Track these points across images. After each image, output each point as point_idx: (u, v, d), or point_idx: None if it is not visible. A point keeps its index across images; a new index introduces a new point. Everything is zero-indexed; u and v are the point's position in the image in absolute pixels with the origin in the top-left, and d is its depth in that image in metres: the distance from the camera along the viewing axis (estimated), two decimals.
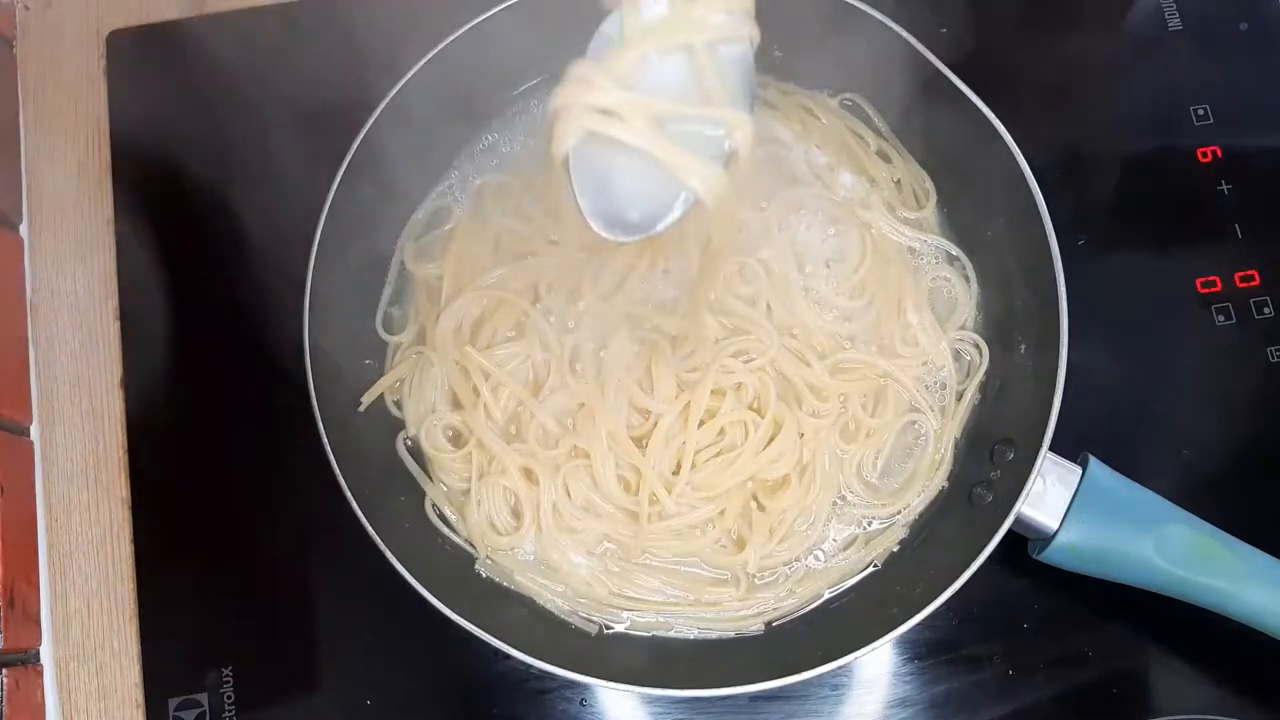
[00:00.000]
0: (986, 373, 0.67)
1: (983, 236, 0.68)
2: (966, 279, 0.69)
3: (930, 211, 0.70)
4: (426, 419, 0.67)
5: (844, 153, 0.71)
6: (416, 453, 0.67)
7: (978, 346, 0.68)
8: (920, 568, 0.63)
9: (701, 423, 0.64)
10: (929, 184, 0.71)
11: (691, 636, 0.64)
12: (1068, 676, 0.66)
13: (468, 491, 0.65)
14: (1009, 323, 0.67)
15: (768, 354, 0.65)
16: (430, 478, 0.67)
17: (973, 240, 0.69)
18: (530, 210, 0.70)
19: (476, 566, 0.65)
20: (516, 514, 0.65)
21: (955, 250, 0.70)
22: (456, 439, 0.67)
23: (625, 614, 0.65)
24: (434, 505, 0.66)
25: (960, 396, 0.67)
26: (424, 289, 0.70)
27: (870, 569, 0.65)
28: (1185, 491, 0.62)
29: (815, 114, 0.72)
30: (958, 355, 0.68)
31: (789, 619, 0.65)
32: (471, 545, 0.65)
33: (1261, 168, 0.75)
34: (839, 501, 0.66)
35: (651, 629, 0.64)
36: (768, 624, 0.64)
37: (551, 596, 0.64)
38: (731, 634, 0.64)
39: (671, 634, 0.64)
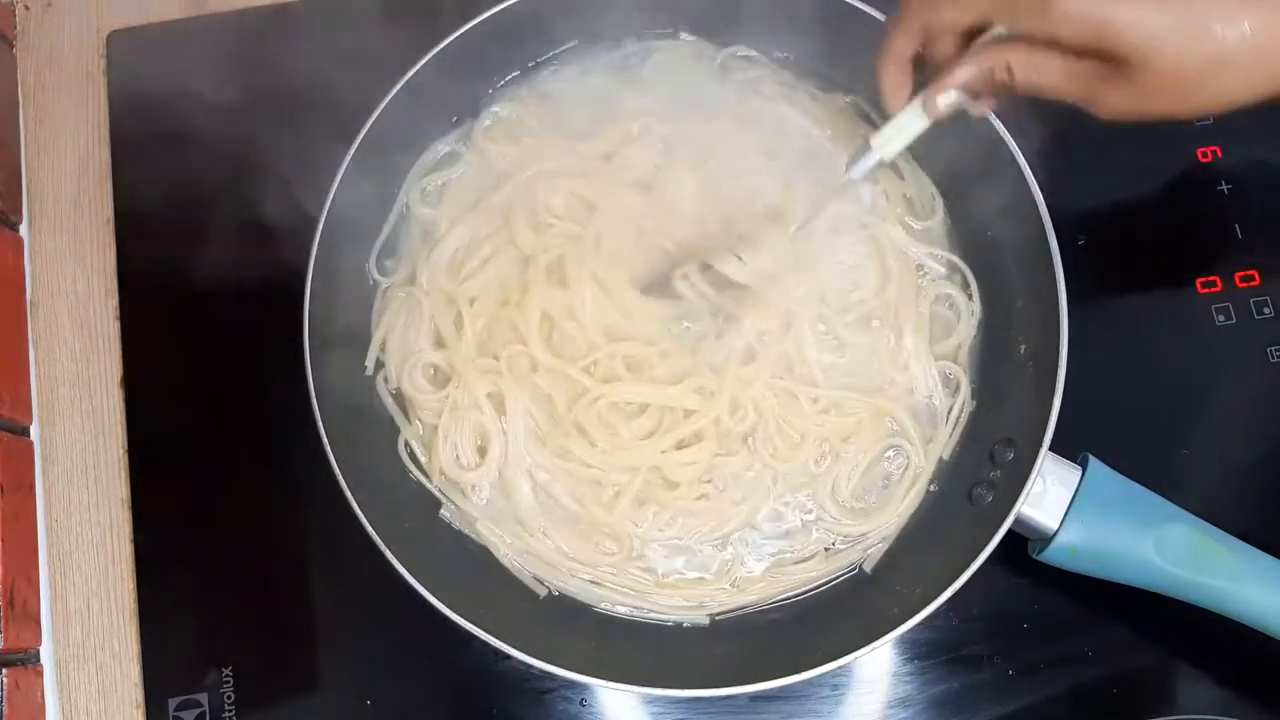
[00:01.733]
0: (972, 398, 0.67)
1: (982, 237, 0.68)
2: (969, 294, 0.68)
3: (938, 221, 0.69)
4: (409, 359, 0.66)
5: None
6: (400, 401, 0.67)
7: (960, 379, 0.67)
8: (920, 568, 0.63)
9: (682, 446, 0.64)
10: (933, 189, 0.70)
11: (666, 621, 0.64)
12: (1068, 676, 0.66)
13: (438, 427, 0.65)
14: (1009, 323, 0.66)
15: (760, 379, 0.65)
16: (409, 420, 0.67)
17: (972, 242, 0.69)
18: (526, 133, 0.69)
19: (441, 512, 0.65)
20: (482, 451, 0.65)
21: (956, 259, 0.68)
22: (436, 378, 0.67)
23: (579, 582, 0.64)
24: (406, 443, 0.65)
25: (948, 419, 0.66)
26: (420, 231, 0.69)
27: (857, 571, 0.65)
28: (1185, 491, 0.62)
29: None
30: (945, 379, 0.67)
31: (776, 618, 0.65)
32: (441, 492, 0.65)
33: (1261, 167, 0.75)
34: (807, 520, 0.66)
35: (601, 600, 0.64)
36: (712, 616, 0.64)
37: (507, 550, 0.64)
38: (701, 621, 0.64)
39: (638, 618, 0.64)
